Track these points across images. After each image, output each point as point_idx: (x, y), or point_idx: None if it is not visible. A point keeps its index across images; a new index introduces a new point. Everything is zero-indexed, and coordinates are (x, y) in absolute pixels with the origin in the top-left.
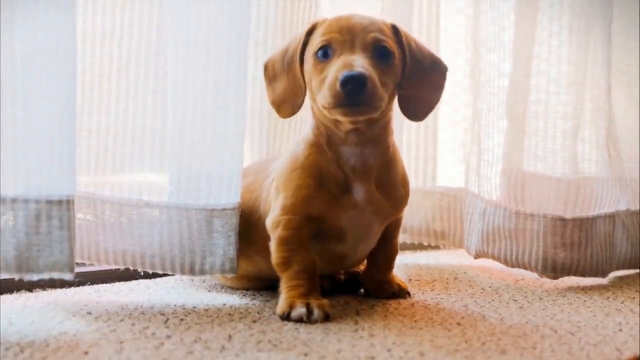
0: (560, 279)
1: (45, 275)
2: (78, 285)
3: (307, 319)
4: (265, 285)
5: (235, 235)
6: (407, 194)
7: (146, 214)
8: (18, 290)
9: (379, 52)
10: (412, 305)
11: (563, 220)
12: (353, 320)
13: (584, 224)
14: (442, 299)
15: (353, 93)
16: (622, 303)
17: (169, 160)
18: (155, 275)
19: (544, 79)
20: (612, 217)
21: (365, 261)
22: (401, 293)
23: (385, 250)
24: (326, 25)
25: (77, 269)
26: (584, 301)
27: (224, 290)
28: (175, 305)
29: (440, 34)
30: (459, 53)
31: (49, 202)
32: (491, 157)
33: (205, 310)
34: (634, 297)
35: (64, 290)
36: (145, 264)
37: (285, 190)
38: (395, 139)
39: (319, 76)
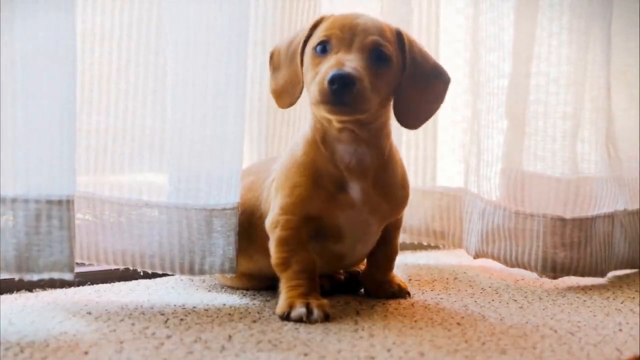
0: (560, 279)
1: (45, 275)
2: (78, 285)
3: (307, 319)
4: (265, 285)
5: (235, 235)
6: (406, 196)
7: (146, 214)
8: (18, 290)
9: (375, 56)
10: (412, 305)
11: (563, 220)
12: (353, 320)
13: (584, 224)
14: (442, 299)
15: (340, 92)
16: (622, 303)
17: (168, 160)
18: (155, 275)
19: (544, 79)
20: (611, 217)
21: (366, 261)
22: (401, 293)
23: (385, 250)
24: (330, 21)
25: (77, 269)
26: (584, 301)
27: (224, 290)
28: (175, 305)
29: (439, 34)
30: (459, 53)
31: (49, 202)
32: (491, 157)
33: (205, 310)
34: (633, 297)
35: (64, 290)
36: (145, 264)
37: (283, 189)
38: (395, 139)
39: (314, 70)
